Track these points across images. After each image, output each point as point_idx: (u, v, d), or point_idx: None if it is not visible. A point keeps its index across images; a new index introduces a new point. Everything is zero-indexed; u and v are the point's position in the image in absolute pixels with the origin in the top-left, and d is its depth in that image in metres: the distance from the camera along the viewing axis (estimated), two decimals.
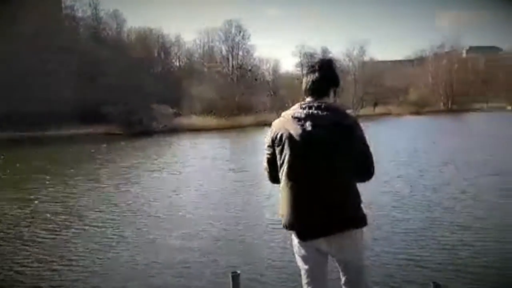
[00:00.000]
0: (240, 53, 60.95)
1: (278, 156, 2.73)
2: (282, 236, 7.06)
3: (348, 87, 67.34)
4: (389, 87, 71.59)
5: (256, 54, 62.94)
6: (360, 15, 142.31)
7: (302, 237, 2.74)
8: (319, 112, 2.60)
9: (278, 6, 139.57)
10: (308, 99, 2.73)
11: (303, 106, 2.68)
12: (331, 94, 2.76)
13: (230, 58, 60.97)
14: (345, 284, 2.83)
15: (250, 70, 60.90)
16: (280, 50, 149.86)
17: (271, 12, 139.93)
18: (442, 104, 73.78)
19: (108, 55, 43.14)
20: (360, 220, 2.71)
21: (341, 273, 2.85)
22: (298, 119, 2.64)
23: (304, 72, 2.85)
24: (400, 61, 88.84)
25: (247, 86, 56.76)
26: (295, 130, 2.62)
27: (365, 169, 2.71)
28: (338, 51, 73.68)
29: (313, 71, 2.74)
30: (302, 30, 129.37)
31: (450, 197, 9.75)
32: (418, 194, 10.01)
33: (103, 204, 11.34)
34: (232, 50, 60.74)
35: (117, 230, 9.01)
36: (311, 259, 2.78)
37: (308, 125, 2.59)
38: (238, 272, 3.64)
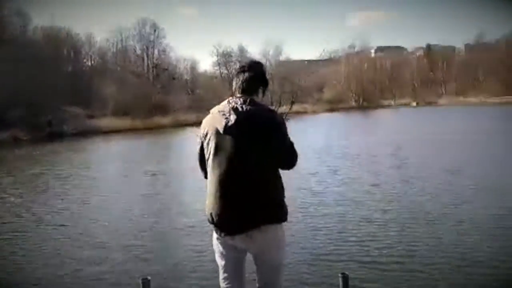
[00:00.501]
0: (156, 52, 59.50)
1: (205, 151, 2.82)
2: (199, 240, 6.82)
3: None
4: (304, 86, 73.81)
5: (173, 53, 61.72)
6: (275, 15, 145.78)
7: (220, 232, 2.76)
8: (244, 106, 2.66)
9: (193, 5, 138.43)
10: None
11: (230, 101, 2.73)
12: (260, 93, 2.85)
13: (145, 57, 59.31)
14: (260, 284, 2.83)
15: (166, 69, 59.59)
16: (197, 49, 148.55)
17: (187, 11, 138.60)
18: (353, 101, 77.52)
19: (11, 54, 39.89)
20: (280, 215, 2.74)
21: (256, 273, 2.84)
22: (223, 112, 2.69)
23: (235, 72, 2.94)
24: (315, 60, 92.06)
25: (163, 85, 55.55)
26: (220, 124, 2.68)
27: (290, 162, 2.79)
28: (254, 50, 74.64)
29: (243, 71, 2.83)
30: (219, 30, 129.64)
31: (362, 190, 10.05)
32: (329, 190, 10.21)
33: (7, 214, 10.31)
34: (147, 49, 59.11)
35: (20, 241, 8.22)
36: (228, 255, 2.81)
37: (232, 118, 2.64)
38: (149, 278, 3.37)
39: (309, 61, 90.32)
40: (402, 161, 14.05)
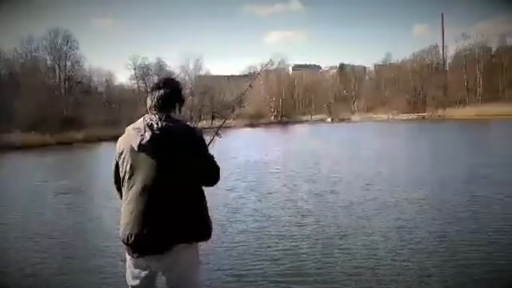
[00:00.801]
0: (69, 63, 56.71)
1: (120, 170, 2.74)
2: (113, 261, 6.39)
3: (185, 100, 68.00)
4: (225, 101, 74.35)
5: (87, 65, 59.19)
6: (195, 29, 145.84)
7: (133, 253, 2.66)
8: (160, 123, 2.61)
9: (109, 17, 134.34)
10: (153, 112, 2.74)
11: (146, 118, 2.69)
12: (176, 110, 2.81)
13: (57, 69, 56.31)
14: None
15: (80, 82, 56.98)
16: (113, 61, 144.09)
17: (102, 22, 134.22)
18: (273, 116, 79.34)
19: None
20: (200, 234, 2.68)
21: None
22: (139, 129, 2.63)
23: (149, 89, 2.88)
24: (235, 76, 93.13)
25: (77, 99, 52.98)
26: (134, 141, 2.61)
27: (212, 179, 2.74)
28: (174, 64, 73.75)
29: (158, 88, 2.78)
30: (136, 42, 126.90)
31: (277, 206, 10.10)
32: (248, 205, 10.16)
33: None
34: (59, 61, 56.17)
35: None
36: (140, 275, 2.71)
37: (147, 135, 2.57)
38: None
39: (229, 76, 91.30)
40: (316, 175, 14.39)
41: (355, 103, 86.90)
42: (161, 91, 2.77)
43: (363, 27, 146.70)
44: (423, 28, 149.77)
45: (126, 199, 2.69)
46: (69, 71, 56.60)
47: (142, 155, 2.61)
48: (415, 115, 68.44)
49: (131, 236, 2.61)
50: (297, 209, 9.72)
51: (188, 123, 2.86)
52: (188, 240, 2.63)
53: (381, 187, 11.84)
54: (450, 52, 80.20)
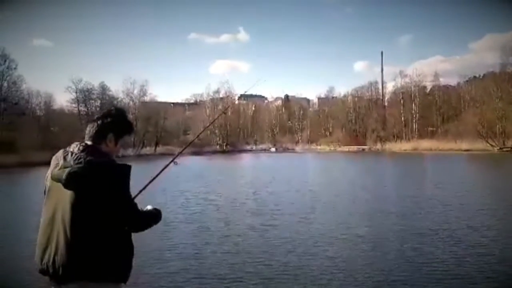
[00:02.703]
0: (5, 84, 54.18)
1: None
2: None
3: (128, 133, 66.71)
4: (169, 128, 73.70)
5: (25, 86, 56.78)
6: (140, 55, 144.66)
7: (53, 280, 2.55)
8: (77, 153, 2.56)
9: (51, 38, 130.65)
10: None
11: (71, 146, 2.66)
12: (110, 141, 2.74)
13: None
14: None
15: (16, 103, 54.49)
16: (53, 84, 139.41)
17: (42, 43, 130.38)
18: (218, 145, 79.34)
19: None
20: (107, 274, 2.52)
21: None
22: (57, 158, 2.61)
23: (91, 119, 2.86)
24: (180, 103, 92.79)
25: (12, 121, 50.52)
26: (51, 169, 2.60)
27: (125, 220, 2.59)
28: (118, 89, 72.34)
29: (98, 119, 2.77)
30: (78, 65, 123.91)
31: (215, 241, 10.04)
32: (181, 241, 10.02)
33: None
34: None
35: None
36: None
37: (61, 164, 2.54)
38: None
39: (174, 103, 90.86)
40: (259, 207, 14.41)
41: (299, 134, 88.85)
42: (99, 122, 2.75)
43: (307, 61, 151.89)
44: (363, 64, 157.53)
45: (40, 227, 2.61)
46: (5, 92, 54.06)
47: (55, 184, 2.55)
48: (356, 148, 70.91)
49: (42, 264, 2.55)
50: (233, 244, 9.70)
51: (116, 160, 2.70)
52: (94, 278, 2.49)
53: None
54: (389, 88, 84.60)
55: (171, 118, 76.27)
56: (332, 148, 73.17)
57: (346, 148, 71.01)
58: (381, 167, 37.21)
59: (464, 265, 7.44)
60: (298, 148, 78.64)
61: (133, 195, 2.69)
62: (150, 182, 3.21)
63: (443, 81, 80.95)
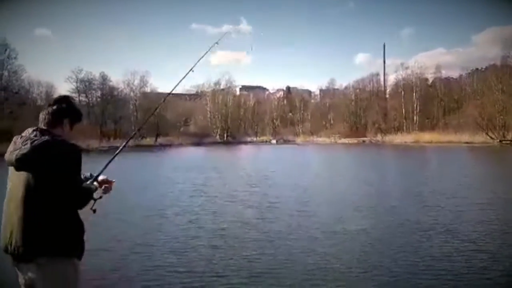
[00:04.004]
0: (6, 73, 54.21)
1: None
2: None
3: (129, 116, 66.81)
4: (170, 119, 73.63)
5: (26, 76, 56.79)
6: (141, 45, 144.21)
7: (13, 259, 2.73)
8: (31, 135, 2.70)
9: (51, 27, 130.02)
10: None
11: (26, 131, 2.80)
12: (66, 126, 2.90)
13: None
14: None
15: (17, 92, 54.53)
16: (54, 74, 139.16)
17: (43, 33, 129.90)
18: (218, 136, 79.29)
19: None
20: (59, 250, 2.67)
21: None
22: (14, 142, 2.74)
23: (43, 106, 2.99)
24: (181, 94, 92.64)
25: (12, 110, 50.55)
26: (8, 151, 2.73)
27: (73, 201, 2.73)
28: (118, 79, 72.11)
29: (49, 105, 2.89)
30: (79, 55, 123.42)
31: (209, 236, 10.08)
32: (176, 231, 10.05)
33: None
34: None
35: None
36: (21, 282, 2.78)
37: (12, 149, 2.69)
38: None
39: (175, 94, 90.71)
40: (256, 199, 14.37)
41: (300, 126, 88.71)
42: (50, 108, 2.88)
43: (309, 52, 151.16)
44: (365, 56, 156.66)
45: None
46: (5, 81, 54.10)
47: (11, 168, 2.75)
48: (356, 140, 70.85)
49: (3, 244, 2.74)
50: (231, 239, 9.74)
51: (71, 142, 2.83)
52: (47, 254, 2.65)
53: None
54: (390, 80, 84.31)
55: (171, 109, 76.14)
56: (333, 140, 73.09)
57: (346, 140, 70.93)
58: (381, 159, 37.20)
59: (460, 260, 7.44)
60: (299, 140, 78.56)
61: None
62: (101, 170, 3.24)
63: (445, 73, 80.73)
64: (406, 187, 17.15)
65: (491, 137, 56.04)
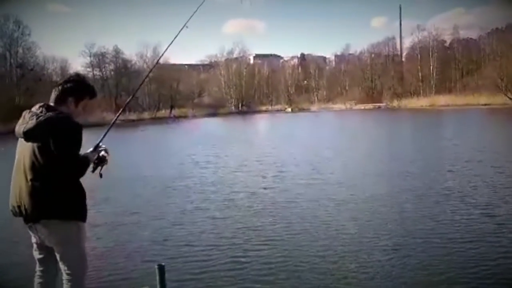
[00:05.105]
0: (20, 50, 54.61)
1: None
2: None
3: (143, 88, 66.81)
4: (183, 90, 73.61)
5: (40, 52, 57.06)
6: (152, 16, 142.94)
7: (24, 221, 3.11)
8: (38, 111, 3.02)
9: (63, 2, 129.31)
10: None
11: (33, 107, 3.11)
12: (71, 104, 3.15)
13: (8, 56, 54.08)
14: (63, 276, 3.14)
15: (32, 69, 54.99)
16: (68, 49, 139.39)
17: (56, 8, 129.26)
18: (233, 106, 79.06)
19: None
20: (62, 213, 3.01)
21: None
22: (23, 116, 3.07)
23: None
24: (194, 65, 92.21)
25: (29, 87, 51.17)
26: (17, 124, 3.07)
27: (71, 170, 3.02)
28: (131, 52, 71.93)
29: (59, 84, 3.19)
30: (92, 29, 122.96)
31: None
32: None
33: None
34: (10, 47, 53.95)
35: None
36: (34, 242, 3.21)
37: (21, 122, 3.04)
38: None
39: (189, 65, 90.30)
40: (280, 171, 14.31)
41: (315, 93, 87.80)
42: (60, 87, 3.17)
43: (323, 17, 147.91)
44: (381, 20, 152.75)
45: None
46: (20, 58, 54.58)
47: (20, 139, 3.08)
48: (372, 105, 70.02)
49: (12, 207, 3.11)
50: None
51: (74, 119, 3.13)
52: (48, 217, 3.01)
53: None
54: (406, 44, 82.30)
55: (185, 80, 75.93)
56: (348, 107, 72.37)
57: (362, 106, 70.14)
58: (394, 126, 36.88)
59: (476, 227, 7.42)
60: (314, 107, 77.87)
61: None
62: (98, 143, 3.43)
63: (463, 34, 78.40)
64: (422, 152, 17.07)
65: (510, 98, 54.78)
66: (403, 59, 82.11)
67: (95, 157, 3.31)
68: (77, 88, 3.21)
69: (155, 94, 66.37)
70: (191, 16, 4.69)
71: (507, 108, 47.32)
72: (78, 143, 3.05)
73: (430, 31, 73.78)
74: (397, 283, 5.31)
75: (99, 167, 3.35)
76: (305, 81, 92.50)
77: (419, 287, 5.26)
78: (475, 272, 5.52)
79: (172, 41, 4.66)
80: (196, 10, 4.81)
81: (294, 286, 5.34)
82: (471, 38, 78.71)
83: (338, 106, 74.78)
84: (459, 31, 77.19)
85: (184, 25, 4.67)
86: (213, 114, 67.54)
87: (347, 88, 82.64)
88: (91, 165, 3.28)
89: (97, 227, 7.79)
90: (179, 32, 4.60)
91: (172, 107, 68.61)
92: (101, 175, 3.36)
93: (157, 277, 3.56)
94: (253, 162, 16.02)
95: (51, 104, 3.13)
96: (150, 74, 67.66)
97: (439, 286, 5.23)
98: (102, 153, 3.35)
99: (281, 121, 48.76)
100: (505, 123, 31.60)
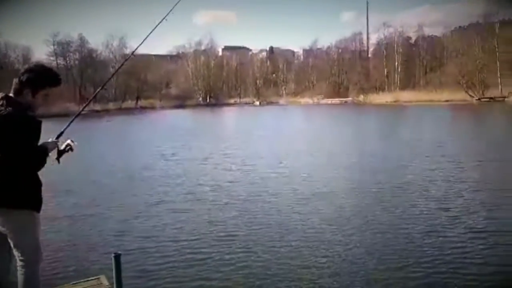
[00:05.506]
0: None
1: None
2: None
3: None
4: (150, 81, 72.58)
5: (2, 39, 55.17)
6: (120, 5, 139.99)
7: None
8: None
9: None
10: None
11: None
12: (28, 95, 3.13)
13: None
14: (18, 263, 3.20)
15: None
16: (31, 37, 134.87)
17: None
18: (201, 98, 78.55)
19: None
20: (18, 203, 3.10)
21: None
22: None
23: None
24: (162, 55, 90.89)
25: None
26: None
27: (25, 161, 3.07)
28: (96, 41, 70.29)
29: (18, 76, 3.16)
30: (56, 17, 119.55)
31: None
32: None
33: None
34: None
35: None
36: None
37: None
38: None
39: (157, 56, 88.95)
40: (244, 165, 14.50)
41: (283, 87, 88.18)
42: (17, 79, 3.17)
43: (292, 11, 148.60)
44: (350, 15, 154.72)
45: None
46: None
47: None
48: (338, 100, 70.98)
49: None
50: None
51: (28, 111, 3.14)
52: (6, 205, 3.08)
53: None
54: (373, 40, 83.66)
55: (153, 71, 74.83)
56: (316, 101, 73.11)
57: (329, 101, 71.01)
58: (361, 120, 37.56)
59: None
60: (282, 101, 78.25)
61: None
62: (61, 132, 3.47)
63: (428, 31, 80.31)
64: (385, 147, 17.50)
65: (470, 95, 56.68)
66: (370, 55, 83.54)
67: (61, 146, 3.35)
68: (33, 79, 3.17)
69: (122, 85, 65.18)
70: (170, 10, 4.68)
71: (467, 104, 48.97)
72: (35, 137, 3.10)
73: (396, 28, 75.32)
74: (355, 275, 5.48)
75: (63, 155, 3.37)
76: (274, 75, 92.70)
77: (377, 279, 5.41)
78: (430, 264, 5.74)
79: (150, 34, 4.60)
80: (176, 4, 4.79)
81: (254, 280, 5.43)
82: (435, 36, 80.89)
83: (306, 100, 75.40)
84: (424, 28, 79.15)
85: (164, 18, 4.64)
86: (181, 106, 66.97)
87: (314, 82, 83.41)
88: (55, 153, 3.31)
89: (58, 219, 7.69)
90: (158, 24, 4.55)
91: (138, 98, 67.61)
92: (58, 161, 3.38)
93: (113, 266, 3.62)
94: (219, 155, 16.08)
95: (10, 94, 3.13)
96: (117, 65, 66.73)
97: (396, 278, 5.40)
98: (68, 141, 3.39)
99: (249, 114, 48.87)
100: (465, 119, 32.71)
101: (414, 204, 8.59)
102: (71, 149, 3.40)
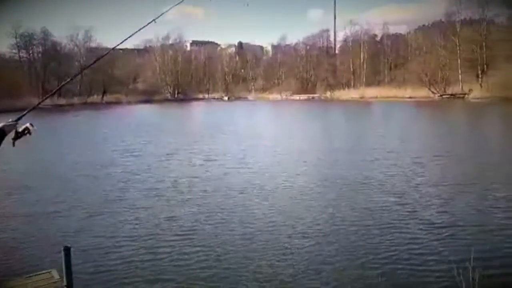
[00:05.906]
0: None
1: None
2: None
3: (74, 73, 63.86)
4: (117, 75, 71.29)
5: None
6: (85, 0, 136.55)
7: None
8: None
9: None
10: None
11: None
12: None
13: None
14: None
15: None
16: None
17: None
18: (169, 93, 77.68)
19: None
20: None
21: None
22: None
23: None
24: (129, 49, 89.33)
25: None
26: None
27: None
28: (61, 34, 68.08)
29: None
30: (18, 9, 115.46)
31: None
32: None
33: None
34: None
35: None
36: None
37: None
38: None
39: (124, 50, 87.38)
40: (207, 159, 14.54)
41: (251, 83, 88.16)
42: None
43: (261, 7, 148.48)
44: (317, 12, 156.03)
45: None
46: None
47: None
48: (306, 96, 71.62)
49: None
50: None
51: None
52: None
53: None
54: (340, 37, 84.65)
55: (120, 66, 73.46)
56: (284, 97, 73.53)
57: (297, 97, 71.54)
58: (327, 116, 38.09)
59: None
60: (250, 96, 78.32)
61: None
62: (20, 117, 3.37)
63: (393, 29, 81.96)
64: (349, 143, 17.84)
65: (432, 92, 58.20)
66: (337, 52, 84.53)
67: (20, 128, 3.22)
68: None
69: (88, 79, 63.73)
70: (163, 13, 4.66)
71: (430, 101, 50.33)
72: None
73: (362, 25, 76.56)
74: (315, 268, 5.65)
75: (21, 137, 3.24)
76: (242, 70, 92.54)
77: (336, 272, 5.60)
78: (387, 257, 5.99)
79: (135, 32, 4.49)
80: (173, 7, 4.75)
81: (212, 276, 5.53)
82: (400, 34, 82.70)
83: (274, 96, 75.72)
84: (389, 26, 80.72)
85: (153, 20, 4.61)
86: (148, 101, 66.04)
87: (283, 78, 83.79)
88: (12, 135, 3.19)
89: (16, 217, 7.58)
90: (147, 25, 4.50)
91: (104, 93, 66.30)
92: (13, 144, 3.23)
93: (63, 259, 3.62)
94: (183, 150, 16.06)
95: None
96: (83, 59, 65.12)
97: (354, 270, 5.62)
98: (27, 124, 3.25)
99: (217, 109, 48.76)
100: (427, 115, 33.66)
101: (373, 199, 8.87)
102: (29, 132, 3.27)
